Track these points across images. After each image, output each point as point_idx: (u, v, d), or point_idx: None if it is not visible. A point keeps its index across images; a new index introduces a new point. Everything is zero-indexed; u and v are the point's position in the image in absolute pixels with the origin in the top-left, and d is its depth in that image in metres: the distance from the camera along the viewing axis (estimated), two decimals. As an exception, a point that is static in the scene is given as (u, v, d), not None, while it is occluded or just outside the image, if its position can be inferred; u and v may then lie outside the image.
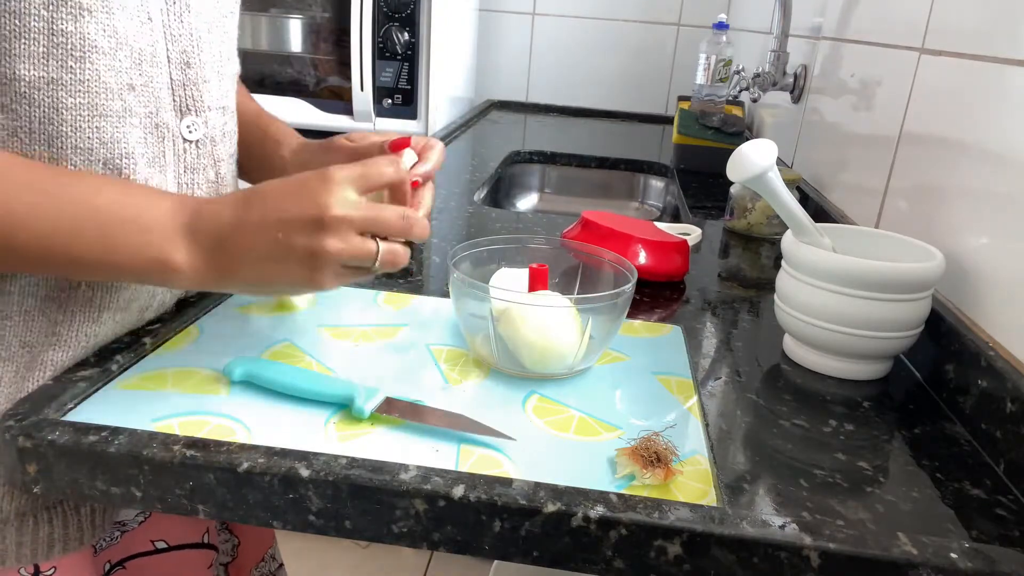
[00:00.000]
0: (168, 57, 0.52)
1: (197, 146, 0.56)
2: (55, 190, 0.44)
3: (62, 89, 0.46)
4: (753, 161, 0.59)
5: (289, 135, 0.70)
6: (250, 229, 0.46)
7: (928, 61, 0.76)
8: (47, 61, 0.45)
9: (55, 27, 0.45)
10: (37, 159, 0.47)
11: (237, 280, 0.47)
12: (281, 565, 0.83)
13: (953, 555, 0.38)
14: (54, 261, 0.45)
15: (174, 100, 0.53)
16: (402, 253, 0.49)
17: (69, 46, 0.45)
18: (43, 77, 0.45)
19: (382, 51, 1.46)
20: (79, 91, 0.47)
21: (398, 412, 0.49)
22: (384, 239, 0.48)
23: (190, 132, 0.55)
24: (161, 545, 0.64)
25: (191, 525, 0.66)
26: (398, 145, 0.59)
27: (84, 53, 0.46)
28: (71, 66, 0.46)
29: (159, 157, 0.52)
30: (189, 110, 0.54)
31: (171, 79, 0.53)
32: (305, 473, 0.41)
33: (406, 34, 1.43)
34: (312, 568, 1.60)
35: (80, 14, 0.45)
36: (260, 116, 0.71)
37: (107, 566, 0.60)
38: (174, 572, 0.65)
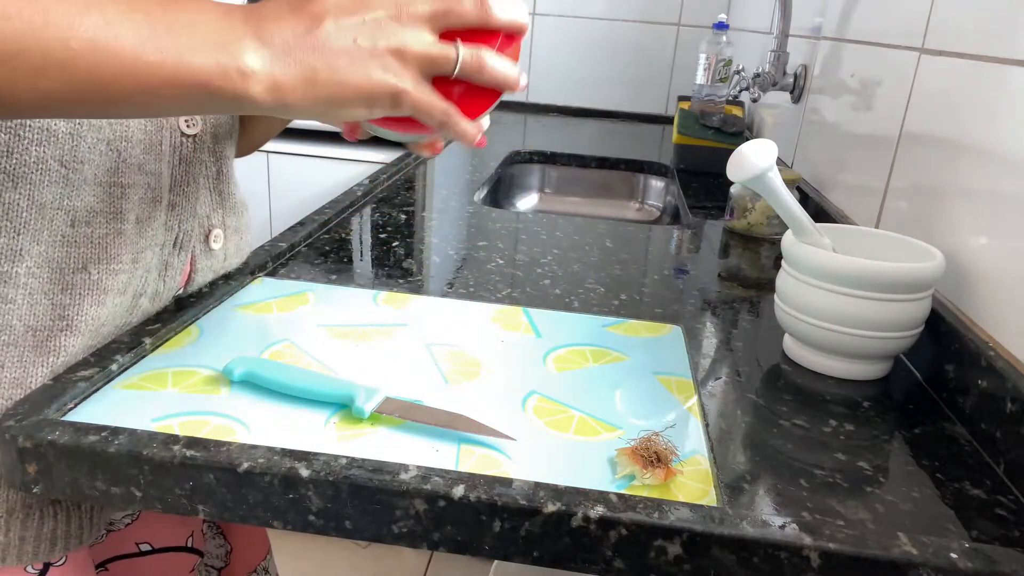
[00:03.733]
0: None
1: (194, 141, 0.57)
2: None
3: None
4: (753, 161, 0.59)
5: None
6: (323, 34, 0.42)
7: (928, 61, 0.76)
8: None
9: None
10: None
11: (313, 88, 0.42)
12: None
13: (953, 555, 0.38)
14: (102, 75, 0.39)
15: None
16: (495, 63, 0.45)
17: None
18: None
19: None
20: None
21: (398, 412, 0.49)
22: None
23: (188, 127, 0.56)
24: (145, 547, 0.64)
25: (177, 528, 0.66)
26: None
27: None
28: None
29: (156, 145, 0.53)
30: None
31: None
32: (305, 473, 0.41)
33: (406, 34, 1.43)
34: (311, 568, 1.60)
35: None
36: None
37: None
38: (155, 575, 0.65)
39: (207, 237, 0.62)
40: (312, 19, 0.42)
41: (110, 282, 0.52)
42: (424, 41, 0.43)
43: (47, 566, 0.52)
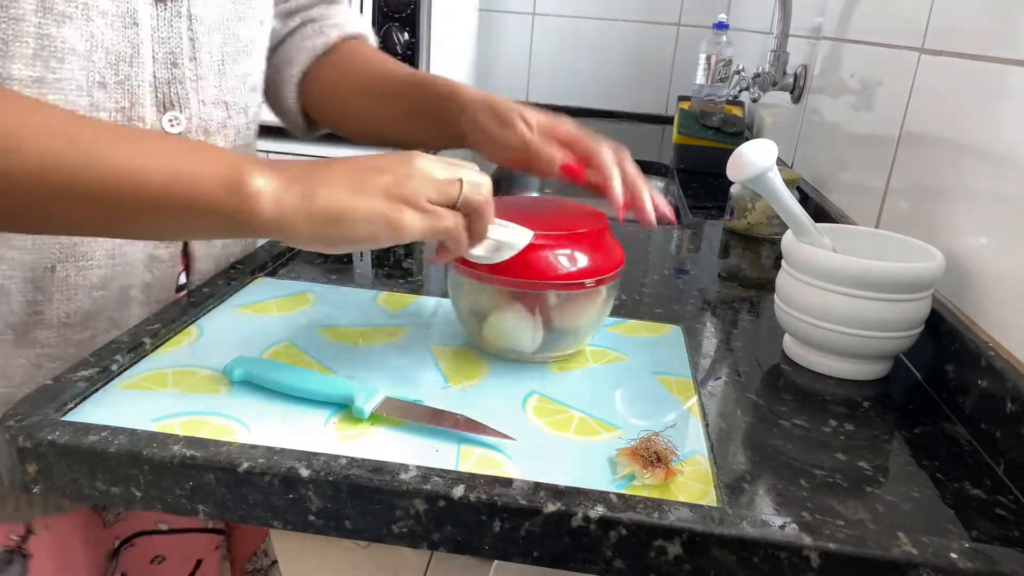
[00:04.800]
0: (153, 57, 0.55)
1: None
2: (121, 132, 0.46)
3: (45, 87, 0.49)
4: (753, 161, 0.59)
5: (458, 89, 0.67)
6: (332, 164, 0.47)
7: (928, 61, 0.76)
8: (35, 62, 0.48)
9: (42, 31, 0.48)
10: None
11: (315, 212, 0.45)
12: (275, 562, 0.83)
13: (953, 555, 0.38)
14: (123, 202, 0.43)
15: (156, 96, 0.56)
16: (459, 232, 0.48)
17: (52, 48, 0.48)
18: (31, 76, 0.48)
19: (382, 51, 1.46)
20: (58, 88, 0.50)
21: (398, 412, 0.49)
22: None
23: (172, 125, 0.57)
24: (163, 527, 0.64)
25: None
26: (571, 172, 0.59)
27: (64, 55, 0.49)
28: (53, 67, 0.49)
29: None
30: (173, 105, 0.57)
31: (155, 77, 0.55)
32: (305, 473, 0.41)
33: (406, 34, 1.43)
34: (311, 568, 1.60)
35: (62, 20, 0.48)
36: (415, 77, 0.71)
37: (116, 542, 0.60)
38: (184, 553, 0.65)
39: None
40: (324, 162, 0.47)
41: (80, 279, 0.54)
42: (424, 185, 0.47)
43: (28, 534, 0.53)
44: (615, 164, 0.59)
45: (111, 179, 0.42)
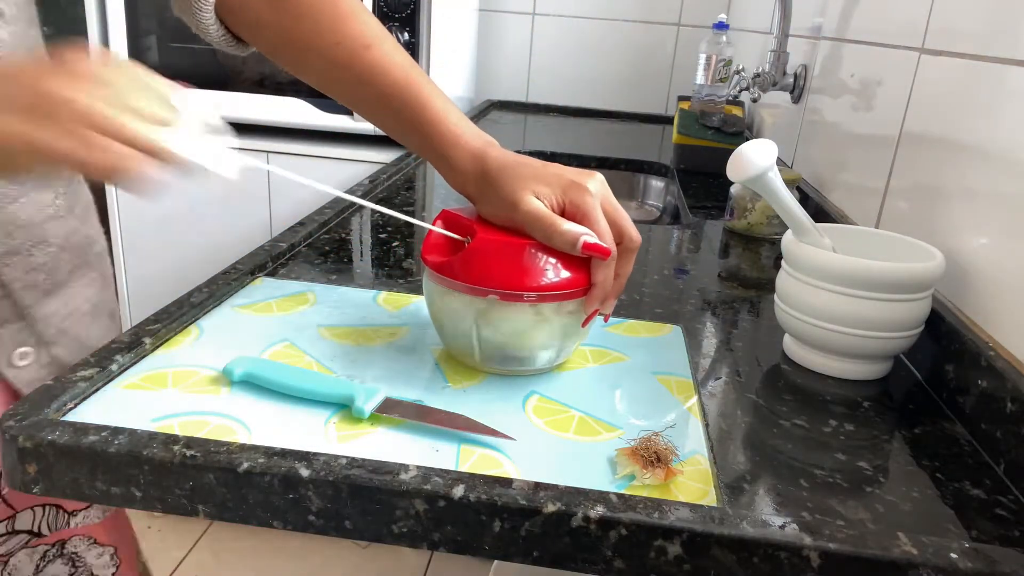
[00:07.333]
0: None
1: None
2: None
3: None
4: (753, 161, 0.59)
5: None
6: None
7: (928, 61, 0.76)
8: None
9: None
10: None
11: None
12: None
13: (953, 555, 0.38)
14: None
15: None
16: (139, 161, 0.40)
17: None
18: None
19: None
20: None
21: (398, 412, 0.49)
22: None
23: None
24: None
25: None
26: (592, 248, 0.52)
27: None
28: None
29: None
30: None
31: None
32: (305, 473, 0.41)
33: (406, 34, 1.43)
34: (312, 568, 1.60)
35: None
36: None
37: None
38: None
39: None
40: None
41: None
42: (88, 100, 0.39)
43: None
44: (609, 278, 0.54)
45: None
